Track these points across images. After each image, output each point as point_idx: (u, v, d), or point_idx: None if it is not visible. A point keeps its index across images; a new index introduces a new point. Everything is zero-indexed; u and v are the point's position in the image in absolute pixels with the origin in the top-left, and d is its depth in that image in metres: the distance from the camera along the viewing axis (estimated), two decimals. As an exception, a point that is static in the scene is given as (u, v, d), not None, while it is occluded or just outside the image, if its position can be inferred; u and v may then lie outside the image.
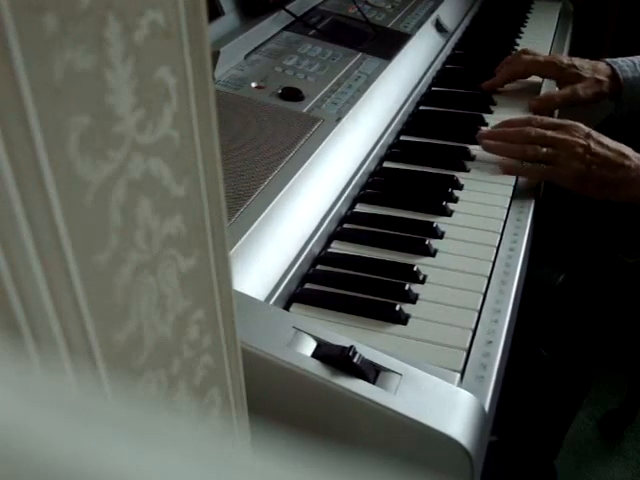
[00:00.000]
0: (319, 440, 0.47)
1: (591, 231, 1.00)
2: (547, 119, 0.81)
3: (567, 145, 0.76)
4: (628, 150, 0.76)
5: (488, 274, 0.62)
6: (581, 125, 0.79)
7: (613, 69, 0.94)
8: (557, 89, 1.02)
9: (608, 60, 0.96)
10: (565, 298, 0.91)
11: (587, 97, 0.93)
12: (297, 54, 0.89)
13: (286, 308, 0.57)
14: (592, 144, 0.75)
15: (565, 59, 0.96)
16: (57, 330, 0.20)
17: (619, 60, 0.96)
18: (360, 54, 0.93)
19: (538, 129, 0.79)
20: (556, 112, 0.98)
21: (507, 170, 0.78)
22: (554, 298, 0.91)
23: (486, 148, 0.81)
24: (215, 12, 0.87)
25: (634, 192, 0.75)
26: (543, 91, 1.01)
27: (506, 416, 0.89)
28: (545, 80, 1.04)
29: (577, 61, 0.95)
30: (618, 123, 1.00)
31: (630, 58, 0.96)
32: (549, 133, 0.78)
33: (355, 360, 0.45)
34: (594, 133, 0.77)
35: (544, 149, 0.76)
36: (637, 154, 0.76)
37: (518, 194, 0.76)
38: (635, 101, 0.95)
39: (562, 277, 0.91)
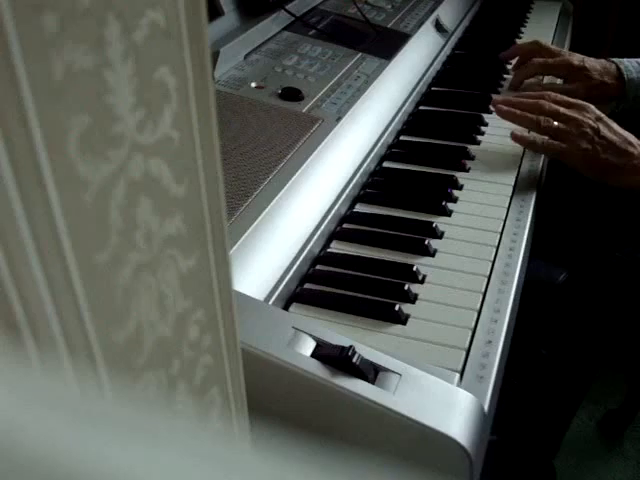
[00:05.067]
0: (318, 440, 0.47)
1: (590, 230, 1.00)
2: (561, 96, 0.83)
3: (578, 124, 0.77)
4: (634, 139, 0.78)
5: (487, 274, 0.62)
6: (593, 107, 0.80)
7: (619, 69, 0.95)
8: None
9: (615, 60, 0.97)
10: (566, 297, 0.91)
11: (589, 98, 0.94)
12: (297, 54, 0.89)
13: (285, 308, 0.57)
14: (601, 127, 0.77)
15: (576, 61, 0.96)
16: (57, 330, 0.20)
17: (625, 60, 0.97)
18: (360, 54, 0.93)
19: (552, 104, 0.81)
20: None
21: (518, 139, 0.80)
22: (555, 296, 0.91)
23: (499, 113, 0.82)
24: (215, 12, 0.87)
25: (634, 179, 0.77)
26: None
27: (506, 416, 0.89)
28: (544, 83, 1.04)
29: (588, 63, 0.96)
30: (618, 118, 1.01)
31: (637, 60, 0.97)
32: (562, 110, 0.80)
33: (354, 360, 0.45)
34: (605, 118, 0.79)
35: (556, 123, 0.78)
36: None
37: (518, 194, 0.76)
38: (638, 100, 0.96)
39: (563, 276, 0.91)
